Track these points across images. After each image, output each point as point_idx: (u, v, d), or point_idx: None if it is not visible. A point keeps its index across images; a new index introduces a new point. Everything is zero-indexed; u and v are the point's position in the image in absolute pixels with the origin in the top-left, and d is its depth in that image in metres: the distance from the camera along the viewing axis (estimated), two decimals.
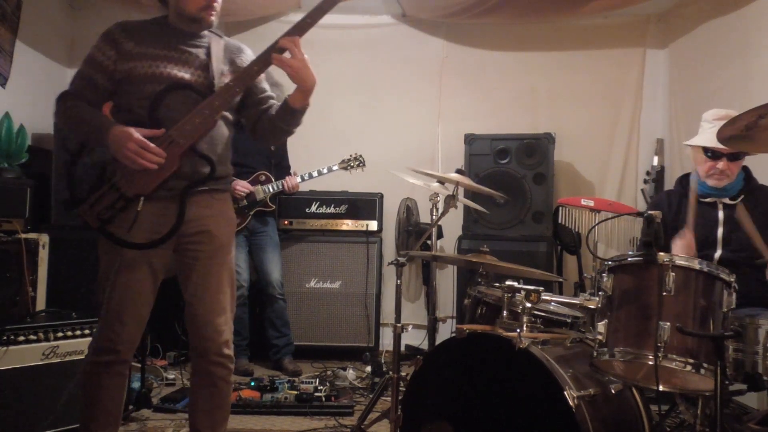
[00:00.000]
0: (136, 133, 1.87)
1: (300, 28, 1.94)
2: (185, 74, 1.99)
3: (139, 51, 1.96)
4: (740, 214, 2.29)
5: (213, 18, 2.03)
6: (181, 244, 2.01)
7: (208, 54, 2.03)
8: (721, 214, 2.61)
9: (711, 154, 2.57)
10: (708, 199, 2.64)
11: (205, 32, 2.07)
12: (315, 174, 3.93)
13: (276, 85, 3.93)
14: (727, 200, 2.62)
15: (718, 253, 2.57)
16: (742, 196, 2.62)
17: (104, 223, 1.93)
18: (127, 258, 1.94)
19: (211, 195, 2.05)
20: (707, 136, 2.57)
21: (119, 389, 2.04)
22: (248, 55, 2.13)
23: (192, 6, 1.98)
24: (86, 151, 2.01)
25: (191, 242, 2.02)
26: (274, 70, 2.05)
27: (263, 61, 1.96)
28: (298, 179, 3.89)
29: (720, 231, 2.59)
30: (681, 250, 2.46)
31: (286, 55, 1.94)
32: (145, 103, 1.93)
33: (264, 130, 2.13)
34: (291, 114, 2.06)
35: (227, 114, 2.07)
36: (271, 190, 3.84)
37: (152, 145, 1.88)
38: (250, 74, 1.98)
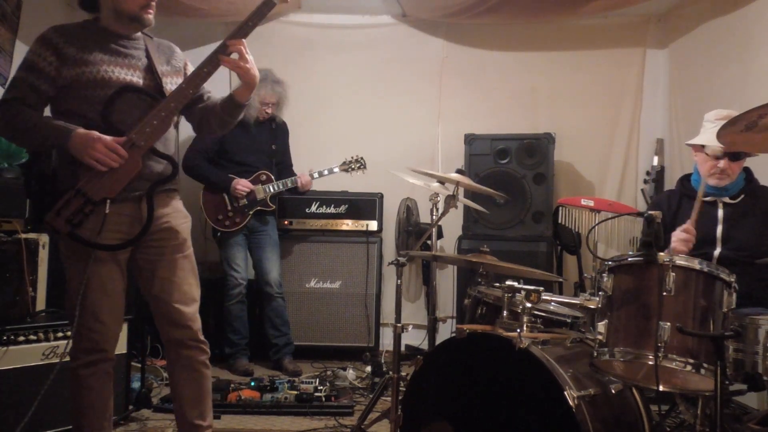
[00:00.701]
0: (103, 136, 1.90)
1: (243, 31, 2.02)
2: (133, 77, 2.03)
3: (83, 56, 1.97)
4: None
5: (151, 17, 2.05)
6: (144, 242, 2.06)
7: (148, 56, 2.08)
8: (720, 213, 2.61)
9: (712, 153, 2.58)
10: (708, 198, 2.65)
11: (139, 34, 2.10)
12: (315, 175, 3.94)
13: (277, 82, 3.95)
14: (727, 199, 2.62)
15: (717, 251, 2.57)
16: (742, 196, 2.62)
17: (74, 228, 1.94)
18: (97, 258, 1.97)
19: (168, 194, 2.13)
20: (709, 135, 2.58)
21: (107, 389, 2.08)
22: (180, 54, 2.22)
23: (132, 5, 1.99)
24: (38, 159, 2.04)
25: (155, 239, 2.07)
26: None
27: (213, 62, 2.03)
28: (315, 175, 3.91)
29: (719, 229, 2.60)
30: (678, 240, 2.45)
31: (234, 56, 2.02)
32: (97, 108, 1.95)
33: (212, 122, 2.21)
34: (237, 107, 2.15)
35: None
36: (272, 189, 3.84)
37: (117, 145, 1.92)
38: (201, 76, 2.04)
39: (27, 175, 3.33)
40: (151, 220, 2.02)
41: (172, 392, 2.20)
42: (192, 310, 2.14)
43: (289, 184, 3.86)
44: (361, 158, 3.99)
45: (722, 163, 2.56)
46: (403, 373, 2.48)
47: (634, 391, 2.04)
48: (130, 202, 2.02)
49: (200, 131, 2.32)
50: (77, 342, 2.02)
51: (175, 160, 2.09)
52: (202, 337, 2.15)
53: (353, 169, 3.99)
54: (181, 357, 2.13)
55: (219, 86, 2.22)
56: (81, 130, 1.91)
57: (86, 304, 1.97)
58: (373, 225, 4.21)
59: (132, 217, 2.02)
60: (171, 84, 2.10)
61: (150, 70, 2.07)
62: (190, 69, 2.19)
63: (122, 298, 2.09)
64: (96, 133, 1.91)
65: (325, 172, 3.96)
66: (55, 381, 2.47)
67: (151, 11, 2.04)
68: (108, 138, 1.91)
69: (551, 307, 2.37)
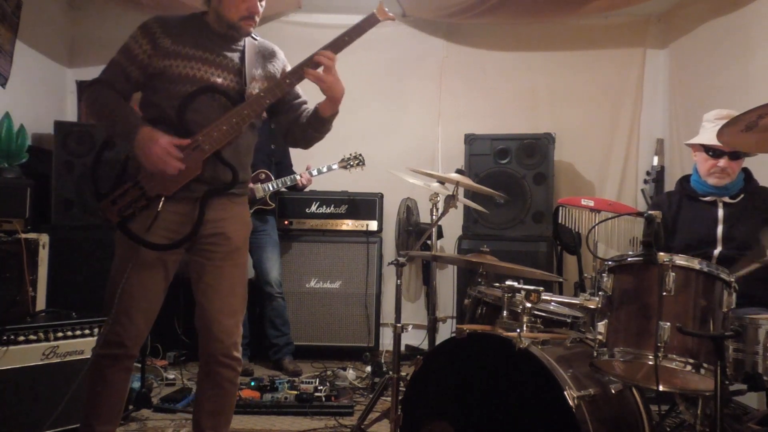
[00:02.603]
0: (164, 138, 1.88)
1: (337, 45, 2.02)
2: (218, 78, 2.00)
3: (176, 49, 1.96)
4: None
5: (252, 29, 2.05)
6: (195, 244, 2.03)
7: (242, 59, 2.05)
8: (721, 213, 2.62)
9: (712, 152, 2.59)
10: (708, 198, 2.65)
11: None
12: (315, 173, 3.93)
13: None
14: (727, 199, 2.63)
15: (717, 251, 2.57)
16: (742, 196, 2.63)
17: (125, 220, 1.94)
18: (143, 257, 1.95)
19: (229, 199, 2.07)
20: (708, 135, 2.58)
21: (123, 384, 2.06)
22: (280, 59, 2.18)
23: (233, 14, 1.99)
24: (110, 145, 2.03)
25: (206, 243, 2.03)
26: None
27: (296, 74, 2.01)
28: (314, 172, 3.91)
29: (720, 229, 2.60)
30: None
31: (320, 70, 2.00)
32: (175, 103, 1.94)
33: (296, 136, 2.18)
34: (321, 122, 2.12)
35: (255, 121, 2.09)
36: (271, 188, 3.84)
37: (176, 151, 1.89)
38: (282, 87, 2.02)
39: (27, 174, 3.34)
40: (200, 224, 1.97)
41: (195, 394, 2.17)
42: (231, 323, 2.07)
43: (288, 182, 3.86)
44: (360, 155, 3.99)
45: (722, 162, 2.56)
46: (403, 373, 2.48)
47: (634, 391, 2.04)
48: (186, 202, 1.98)
49: (287, 141, 2.25)
50: (106, 333, 1.99)
51: (237, 168, 2.01)
52: (235, 353, 2.08)
53: (352, 166, 3.99)
54: (209, 371, 2.09)
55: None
56: (147, 129, 1.89)
57: (123, 298, 1.94)
58: (373, 225, 4.21)
59: (185, 217, 1.98)
60: (258, 89, 2.05)
61: (239, 73, 2.03)
62: None
63: (159, 302, 2.04)
64: (157, 135, 1.87)
65: (324, 170, 3.96)
66: (55, 381, 2.49)
67: (252, 23, 2.02)
68: (165, 141, 1.87)
69: (551, 307, 2.37)
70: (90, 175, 2.01)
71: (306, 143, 2.20)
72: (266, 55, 2.13)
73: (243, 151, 2.08)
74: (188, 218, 1.98)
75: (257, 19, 2.04)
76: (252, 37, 2.11)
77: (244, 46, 2.07)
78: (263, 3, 2.05)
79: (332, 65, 2.00)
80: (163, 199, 1.93)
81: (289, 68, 2.14)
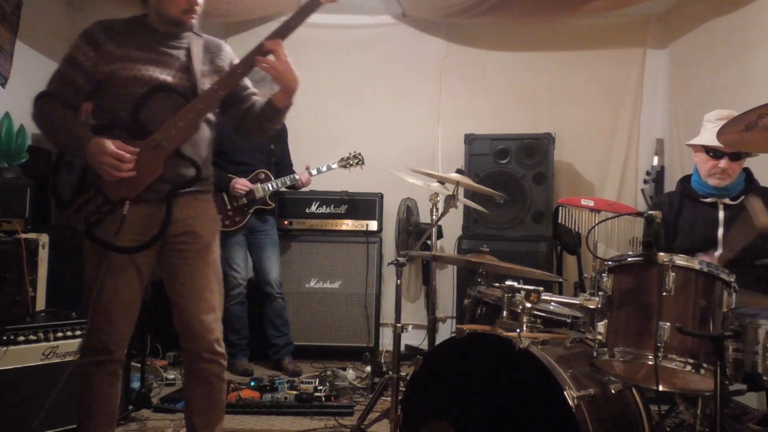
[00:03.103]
0: (111, 146, 1.86)
1: (283, 31, 1.97)
2: (168, 77, 1.99)
3: (121, 53, 1.95)
4: (753, 205, 2.22)
5: (194, 21, 2.03)
6: (166, 245, 2.02)
7: (189, 55, 2.04)
8: (721, 214, 2.61)
9: (713, 153, 2.58)
10: (709, 199, 2.65)
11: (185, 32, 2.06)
12: (314, 172, 3.93)
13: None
14: (727, 200, 2.62)
15: (718, 253, 2.57)
16: (743, 197, 2.62)
17: (91, 227, 1.93)
18: (115, 261, 1.95)
19: (194, 196, 2.07)
20: (709, 135, 2.58)
21: (113, 389, 2.05)
22: (227, 53, 2.15)
23: (173, 9, 1.97)
24: (65, 158, 2.02)
25: (177, 242, 2.03)
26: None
27: (247, 63, 1.99)
28: (314, 171, 3.90)
29: (720, 231, 2.60)
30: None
31: (270, 57, 1.97)
32: (128, 106, 1.93)
33: (248, 127, 2.16)
34: (276, 113, 2.09)
35: (209, 115, 2.08)
36: (271, 188, 3.84)
37: (127, 155, 1.88)
38: (234, 77, 2.01)
39: (27, 174, 3.34)
40: (168, 223, 1.96)
41: (184, 396, 2.17)
42: (211, 319, 2.07)
43: (288, 182, 3.86)
44: (359, 154, 3.99)
45: (723, 163, 2.56)
46: (403, 373, 2.48)
47: (634, 391, 2.04)
48: (151, 203, 1.97)
49: (239, 133, 2.21)
50: (86, 340, 2.00)
51: (199, 163, 2.01)
52: (219, 348, 2.09)
53: (351, 165, 3.99)
54: (195, 369, 2.09)
55: None
56: (95, 140, 1.87)
57: (100, 304, 1.95)
58: (373, 225, 4.21)
59: (151, 218, 1.97)
60: (209, 85, 2.04)
61: (188, 70, 2.02)
62: None
63: (137, 303, 2.04)
64: (104, 144, 1.86)
65: (324, 169, 3.96)
66: (54, 381, 2.49)
67: (194, 15, 2.01)
68: (113, 148, 1.86)
69: (551, 307, 2.37)
70: (50, 185, 2.00)
71: (261, 134, 2.18)
72: (213, 50, 2.12)
73: (202, 147, 2.07)
74: (155, 219, 1.97)
75: (198, 10, 2.02)
76: (196, 33, 2.10)
77: (188, 43, 2.06)
78: None
79: (281, 51, 1.96)
80: (127, 202, 1.93)
81: (237, 61, 2.12)
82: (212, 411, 2.12)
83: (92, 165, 1.89)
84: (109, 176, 1.88)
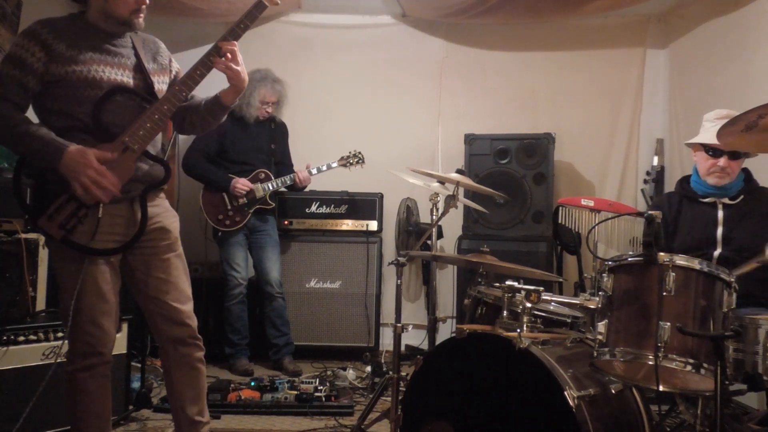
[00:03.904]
0: (95, 161, 1.85)
1: (235, 32, 2.03)
2: (123, 78, 2.00)
3: (73, 54, 1.91)
4: None
5: (141, 20, 2.02)
6: (137, 244, 2.04)
7: (137, 54, 2.05)
8: (720, 214, 2.61)
9: (712, 152, 2.59)
10: (708, 199, 2.65)
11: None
12: (314, 171, 3.93)
13: (277, 81, 3.95)
14: (726, 200, 2.63)
15: (717, 252, 2.57)
16: (741, 196, 2.62)
17: (68, 233, 1.92)
18: (93, 264, 1.96)
19: (157, 194, 2.12)
20: (708, 134, 2.58)
21: (105, 391, 2.06)
22: (164, 49, 2.19)
23: (123, 10, 1.96)
24: (25, 163, 1.98)
25: (149, 240, 2.07)
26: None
27: (205, 64, 2.03)
28: (314, 171, 3.90)
29: (720, 230, 2.60)
30: None
31: (225, 58, 2.02)
32: (87, 108, 1.92)
33: (194, 123, 2.21)
34: (221, 109, 2.15)
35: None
36: (271, 188, 3.84)
37: (109, 173, 1.88)
38: (195, 78, 2.04)
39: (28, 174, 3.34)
40: (146, 222, 2.01)
41: (168, 390, 2.18)
42: (188, 308, 2.14)
43: (288, 181, 3.87)
44: (359, 153, 3.99)
45: (722, 161, 2.56)
46: (403, 373, 2.48)
47: (634, 391, 2.04)
48: (124, 203, 2.00)
49: (181, 130, 2.29)
50: (74, 346, 1.99)
51: (167, 162, 2.10)
52: (198, 335, 2.17)
53: (351, 164, 3.99)
54: (179, 355, 2.13)
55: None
56: (73, 149, 1.84)
57: (82, 307, 1.95)
58: (373, 225, 4.21)
59: (126, 218, 2.01)
60: (160, 83, 2.08)
61: (140, 69, 2.04)
62: (175, 66, 2.19)
63: (117, 300, 2.06)
64: (88, 156, 1.84)
65: (324, 168, 3.95)
66: (53, 381, 2.49)
67: (141, 15, 2.00)
68: (97, 164, 1.85)
69: (551, 307, 2.37)
70: (15, 194, 1.95)
71: (202, 129, 2.25)
72: (152, 47, 2.14)
73: (158, 145, 2.14)
74: (129, 219, 2.01)
75: (145, 10, 2.01)
76: (133, 32, 2.09)
77: (132, 42, 2.06)
78: None
79: (237, 53, 2.02)
80: (101, 205, 1.93)
81: (173, 58, 2.19)
82: (201, 398, 2.17)
83: (66, 174, 1.85)
84: (85, 193, 1.86)
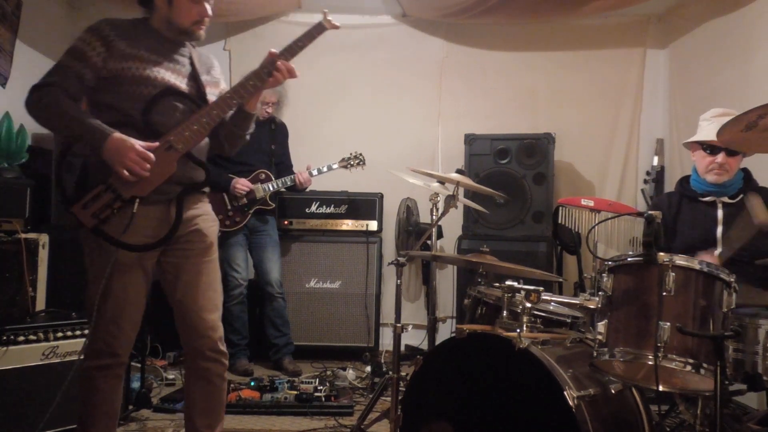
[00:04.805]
0: (137, 144, 1.88)
1: (293, 51, 2.06)
2: (178, 81, 2.03)
3: (131, 52, 1.96)
4: (752, 202, 2.22)
5: (202, 32, 2.06)
6: (171, 245, 2.03)
7: (192, 64, 2.08)
8: (720, 213, 2.61)
9: (710, 149, 2.59)
10: (707, 198, 2.65)
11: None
12: (315, 172, 3.93)
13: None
14: (726, 199, 2.63)
15: (717, 252, 2.57)
16: (741, 196, 2.62)
17: (100, 224, 1.92)
18: (122, 261, 1.94)
19: (198, 197, 2.11)
20: (705, 132, 2.59)
21: (116, 391, 2.05)
22: (217, 67, 2.23)
23: (185, 20, 2.01)
24: (73, 149, 2.00)
25: (183, 242, 2.05)
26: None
27: (260, 77, 2.04)
28: (314, 172, 3.90)
29: (719, 230, 2.60)
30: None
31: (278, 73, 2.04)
32: (138, 105, 1.94)
33: (220, 139, 2.19)
34: (245, 119, 2.13)
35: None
36: (271, 188, 3.84)
37: (152, 156, 1.90)
38: (247, 89, 2.04)
39: (27, 174, 3.34)
40: (179, 223, 1.99)
41: (185, 396, 2.17)
42: (214, 318, 2.10)
43: (288, 182, 3.87)
44: (360, 154, 3.99)
45: (720, 158, 2.57)
46: (403, 373, 2.48)
47: (634, 391, 2.04)
48: (160, 204, 1.99)
49: (214, 147, 2.25)
50: (93, 343, 1.98)
51: (208, 167, 2.07)
52: (222, 347, 2.11)
53: (352, 165, 3.99)
54: (198, 368, 2.10)
55: None
56: (117, 135, 1.87)
57: (106, 307, 1.94)
58: (373, 225, 4.21)
59: (160, 220, 1.99)
60: (210, 95, 2.10)
61: (194, 78, 2.07)
62: (223, 85, 2.21)
63: (142, 305, 2.04)
64: (130, 141, 1.87)
65: (324, 169, 3.95)
66: (53, 381, 2.49)
67: (203, 26, 2.05)
68: (140, 147, 1.88)
69: (551, 307, 2.37)
70: (56, 180, 2.01)
71: (230, 145, 2.21)
72: (206, 62, 2.18)
73: (203, 151, 2.13)
74: (163, 220, 1.99)
75: (207, 22, 2.06)
76: (192, 45, 2.14)
77: (190, 53, 2.10)
78: (211, 3, 2.07)
79: (287, 77, 2.05)
80: (138, 200, 1.93)
81: (223, 76, 2.23)
82: (214, 411, 2.13)
83: (109, 159, 1.88)
84: (129, 174, 1.87)
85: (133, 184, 1.92)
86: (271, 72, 2.02)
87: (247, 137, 2.21)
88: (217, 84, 2.18)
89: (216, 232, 2.18)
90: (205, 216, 2.12)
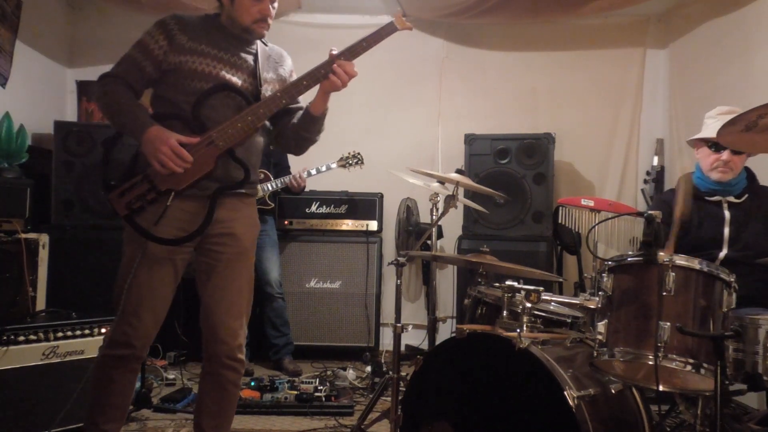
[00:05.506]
0: (173, 138, 1.88)
1: (355, 52, 2.03)
2: (233, 77, 2.02)
3: (192, 46, 1.97)
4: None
5: (264, 30, 2.06)
6: (204, 244, 2.02)
7: (256, 61, 2.07)
8: (727, 214, 2.60)
9: (714, 147, 2.58)
10: (713, 198, 2.64)
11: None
12: (313, 172, 3.92)
13: None
14: (732, 198, 2.62)
15: (723, 253, 2.56)
16: (746, 195, 2.62)
17: (133, 213, 1.93)
18: (151, 253, 1.94)
19: (239, 199, 2.07)
20: (710, 130, 2.58)
21: (129, 385, 2.05)
22: (288, 64, 2.20)
23: (246, 18, 2.01)
24: (122, 138, 2.02)
25: (215, 243, 2.03)
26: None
27: (313, 77, 2.01)
28: (313, 171, 3.89)
29: (726, 230, 2.58)
30: None
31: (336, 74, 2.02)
32: (190, 99, 1.95)
33: (287, 138, 2.16)
34: (313, 121, 2.10)
35: (266, 122, 2.09)
36: (270, 188, 3.84)
37: (185, 152, 1.89)
38: (299, 88, 2.02)
39: (28, 174, 3.34)
40: (209, 221, 1.96)
41: (197, 395, 2.16)
42: (237, 324, 2.07)
43: (282, 184, 3.86)
44: (358, 153, 3.99)
45: (725, 155, 2.55)
46: (403, 373, 2.48)
47: (634, 391, 2.04)
48: (196, 199, 1.97)
49: (278, 145, 2.24)
50: (113, 332, 1.98)
51: (248, 167, 2.01)
52: (239, 355, 2.09)
53: (351, 165, 3.98)
54: (213, 372, 2.09)
55: None
56: (155, 128, 1.89)
57: (130, 297, 1.94)
58: (373, 225, 4.21)
59: (194, 215, 1.96)
60: (269, 92, 2.06)
61: (253, 75, 2.05)
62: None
63: (168, 301, 2.02)
64: (167, 135, 1.87)
65: (323, 169, 3.95)
66: (54, 381, 2.49)
67: (264, 25, 2.05)
68: (174, 141, 1.87)
69: (551, 307, 2.37)
70: (101, 165, 2.02)
71: (298, 147, 2.19)
72: (276, 60, 2.16)
73: (254, 152, 2.08)
74: (197, 216, 1.96)
75: (270, 21, 2.06)
76: (263, 42, 2.13)
77: (257, 50, 2.09)
78: (275, 5, 2.08)
79: (347, 77, 2.02)
80: (173, 194, 1.93)
81: (295, 74, 2.16)
82: (223, 416, 2.13)
83: (146, 151, 1.89)
84: (161, 167, 1.88)
85: (170, 177, 1.92)
86: (327, 73, 2.00)
87: (316, 139, 2.17)
88: (284, 81, 2.14)
89: (254, 238, 2.14)
90: (243, 220, 2.08)
